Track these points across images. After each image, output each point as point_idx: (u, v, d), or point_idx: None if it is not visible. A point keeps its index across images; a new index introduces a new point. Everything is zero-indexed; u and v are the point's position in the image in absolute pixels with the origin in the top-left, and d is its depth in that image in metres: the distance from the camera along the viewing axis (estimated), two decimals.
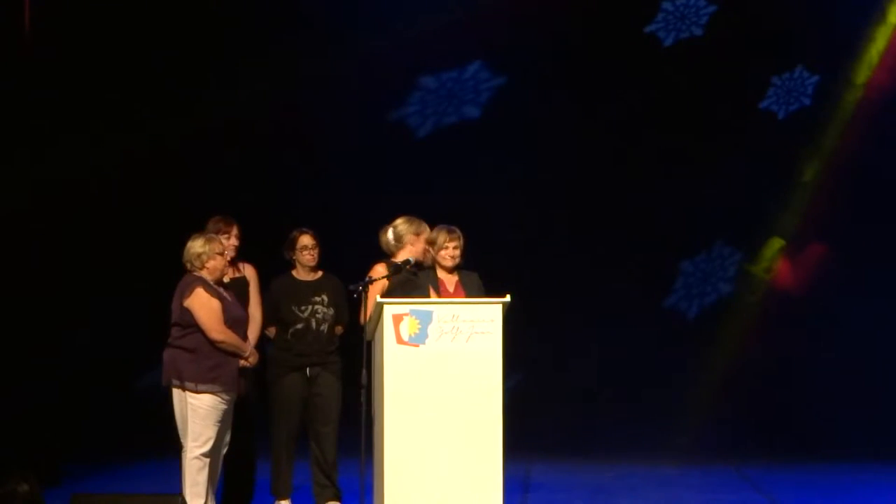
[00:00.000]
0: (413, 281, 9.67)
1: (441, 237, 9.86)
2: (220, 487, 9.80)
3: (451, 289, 9.83)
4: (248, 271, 9.88)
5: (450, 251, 9.83)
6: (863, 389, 13.62)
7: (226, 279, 9.48)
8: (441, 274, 9.86)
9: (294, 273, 10.12)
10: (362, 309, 9.30)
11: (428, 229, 9.76)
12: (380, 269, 9.61)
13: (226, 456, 9.48)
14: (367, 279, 9.43)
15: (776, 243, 14.22)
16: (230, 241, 9.64)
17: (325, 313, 10.01)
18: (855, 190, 14.02)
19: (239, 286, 9.68)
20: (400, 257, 9.68)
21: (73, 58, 12.81)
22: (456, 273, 9.86)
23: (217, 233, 9.55)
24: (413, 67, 14.07)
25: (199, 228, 9.42)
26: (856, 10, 13.99)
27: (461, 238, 9.86)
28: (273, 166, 13.63)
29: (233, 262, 9.73)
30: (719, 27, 14.10)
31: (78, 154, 12.80)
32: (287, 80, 13.54)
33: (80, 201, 12.81)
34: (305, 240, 10.06)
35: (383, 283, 9.53)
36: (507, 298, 9.30)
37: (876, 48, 14.09)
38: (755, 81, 14.14)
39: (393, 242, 9.74)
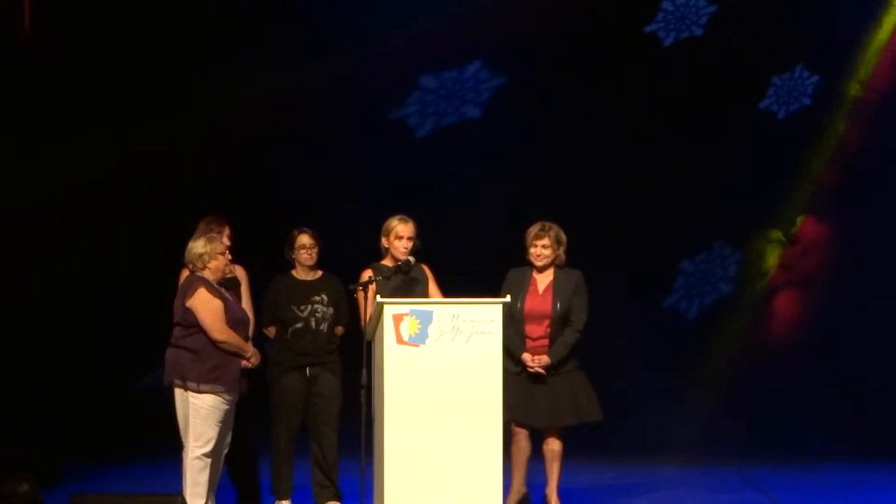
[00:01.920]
0: (415, 281, 9.68)
1: (530, 234, 9.83)
2: (232, 490, 9.83)
3: (540, 289, 9.80)
4: (239, 272, 9.90)
5: (538, 250, 9.79)
6: (863, 389, 13.62)
7: None
8: (534, 272, 9.84)
9: (294, 272, 10.13)
10: (361, 313, 9.33)
11: (401, 227, 9.69)
12: (366, 275, 9.60)
13: (232, 457, 9.52)
14: (370, 278, 9.43)
15: (774, 235, 14.22)
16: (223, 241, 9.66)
17: (324, 313, 10.02)
18: (857, 188, 14.02)
19: (230, 287, 9.69)
20: (388, 260, 9.69)
21: (73, 58, 12.79)
22: (553, 272, 9.82)
23: (209, 233, 9.57)
24: (413, 67, 14.07)
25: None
26: (856, 10, 13.98)
27: (553, 236, 9.75)
28: (272, 166, 13.62)
29: None
30: (719, 27, 14.09)
31: (78, 153, 12.79)
32: (287, 79, 13.53)
33: (79, 200, 12.80)
34: (304, 239, 10.08)
35: (373, 287, 9.51)
36: (507, 299, 9.31)
37: (876, 47, 14.09)
38: (755, 81, 14.13)
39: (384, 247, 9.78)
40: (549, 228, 9.79)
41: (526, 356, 9.63)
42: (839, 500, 11.05)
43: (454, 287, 9.82)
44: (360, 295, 9.39)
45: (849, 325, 13.80)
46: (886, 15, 14.06)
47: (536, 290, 9.77)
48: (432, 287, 9.79)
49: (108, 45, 13.08)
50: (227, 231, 9.79)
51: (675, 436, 13.38)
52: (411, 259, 9.67)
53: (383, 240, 9.73)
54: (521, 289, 9.75)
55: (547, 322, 9.75)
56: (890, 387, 13.55)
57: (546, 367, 9.70)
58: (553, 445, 9.88)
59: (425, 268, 9.84)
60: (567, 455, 10.20)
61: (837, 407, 13.54)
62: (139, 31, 13.23)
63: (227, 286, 9.55)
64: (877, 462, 12.69)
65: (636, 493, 11.14)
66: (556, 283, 9.79)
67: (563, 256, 9.87)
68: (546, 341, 9.75)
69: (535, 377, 9.65)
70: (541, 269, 9.84)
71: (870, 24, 14.07)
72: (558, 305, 9.76)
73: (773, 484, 11.63)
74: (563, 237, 9.84)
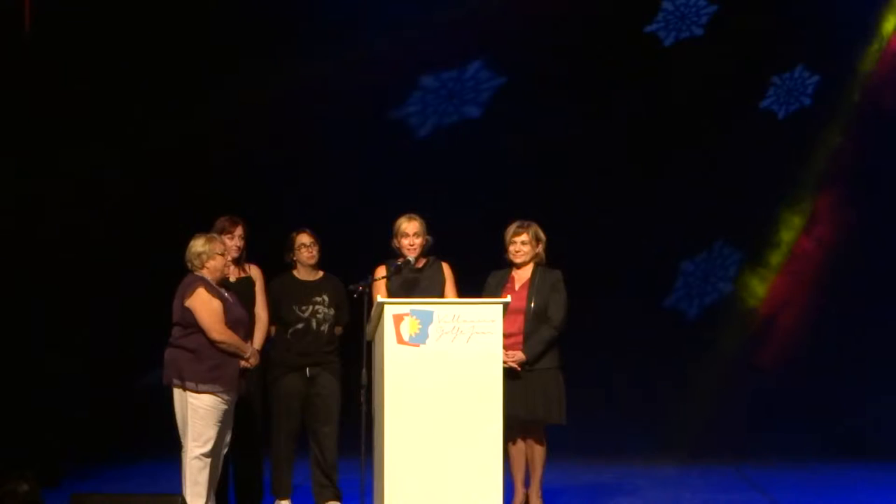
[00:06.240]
0: (417, 280, 9.68)
1: (508, 232, 9.80)
2: (232, 490, 9.84)
3: (517, 286, 9.76)
4: (254, 272, 9.90)
5: (517, 246, 9.75)
6: (863, 388, 13.62)
7: (232, 279, 9.50)
8: (514, 270, 9.81)
9: (295, 273, 10.12)
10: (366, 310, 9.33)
11: (405, 224, 9.68)
12: (381, 271, 9.65)
13: (233, 457, 9.52)
14: (368, 278, 9.44)
15: (774, 234, 14.23)
16: (233, 242, 9.66)
17: (325, 313, 10.01)
18: (858, 188, 14.02)
19: (244, 286, 9.70)
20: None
21: (74, 58, 12.79)
22: (532, 269, 9.79)
23: (221, 232, 9.58)
24: (413, 67, 14.08)
25: (199, 228, 9.42)
26: (856, 10, 13.98)
27: (532, 233, 9.72)
28: (273, 166, 13.63)
29: (238, 263, 9.74)
30: (719, 27, 14.10)
31: (78, 154, 12.79)
32: (287, 79, 13.53)
33: (80, 201, 12.80)
34: (304, 238, 10.06)
35: (382, 284, 9.54)
36: (508, 299, 9.30)
37: (876, 46, 14.08)
38: (755, 81, 14.14)
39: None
40: (528, 226, 9.79)
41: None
42: (839, 500, 11.05)
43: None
44: (375, 288, 9.43)
45: (849, 325, 13.80)
46: (887, 14, 14.06)
47: (513, 287, 9.73)
48: (449, 287, 9.76)
49: (108, 46, 13.08)
50: (239, 231, 9.77)
51: (675, 436, 13.39)
52: (411, 259, 9.66)
53: (394, 240, 9.72)
54: (499, 287, 9.72)
55: (521, 318, 9.64)
56: (890, 386, 13.55)
57: (521, 363, 9.63)
58: (534, 446, 9.81)
59: (445, 267, 9.80)
60: (566, 454, 10.21)
61: (838, 407, 13.55)
62: (139, 32, 13.23)
63: (240, 286, 9.56)
64: (875, 462, 12.70)
65: (636, 493, 11.14)
66: (533, 280, 9.73)
67: (542, 254, 9.83)
68: (520, 338, 9.63)
69: (510, 373, 9.51)
70: (520, 266, 9.81)
71: (870, 23, 14.07)
72: (533, 302, 9.67)
73: (773, 484, 11.63)
74: (542, 235, 9.82)
